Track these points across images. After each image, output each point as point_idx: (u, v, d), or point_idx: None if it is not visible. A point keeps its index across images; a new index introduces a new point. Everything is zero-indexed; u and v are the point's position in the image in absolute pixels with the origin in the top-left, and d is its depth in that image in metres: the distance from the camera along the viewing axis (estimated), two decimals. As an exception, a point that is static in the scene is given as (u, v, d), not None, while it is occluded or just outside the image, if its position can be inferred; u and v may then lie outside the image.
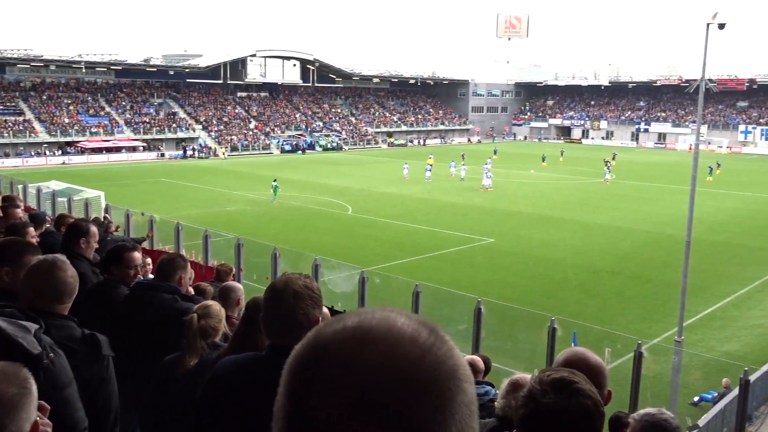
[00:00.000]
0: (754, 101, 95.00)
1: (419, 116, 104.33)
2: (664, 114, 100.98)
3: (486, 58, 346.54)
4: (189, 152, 72.73)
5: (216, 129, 79.60)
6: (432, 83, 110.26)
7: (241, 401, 2.55)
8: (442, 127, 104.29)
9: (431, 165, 54.78)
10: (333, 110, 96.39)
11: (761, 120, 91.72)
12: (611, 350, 14.20)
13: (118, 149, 69.71)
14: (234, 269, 9.03)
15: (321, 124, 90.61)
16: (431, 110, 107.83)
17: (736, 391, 13.56)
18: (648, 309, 21.93)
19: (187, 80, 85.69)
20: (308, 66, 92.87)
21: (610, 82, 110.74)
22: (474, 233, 32.47)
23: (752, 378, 13.99)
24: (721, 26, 17.46)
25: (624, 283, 24.99)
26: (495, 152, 74.45)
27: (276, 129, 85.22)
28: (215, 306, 3.88)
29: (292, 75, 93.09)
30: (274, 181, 42.86)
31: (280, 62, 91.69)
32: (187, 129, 77.66)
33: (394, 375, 0.83)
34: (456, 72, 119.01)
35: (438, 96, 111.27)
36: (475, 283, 23.44)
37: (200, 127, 79.21)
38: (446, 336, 0.92)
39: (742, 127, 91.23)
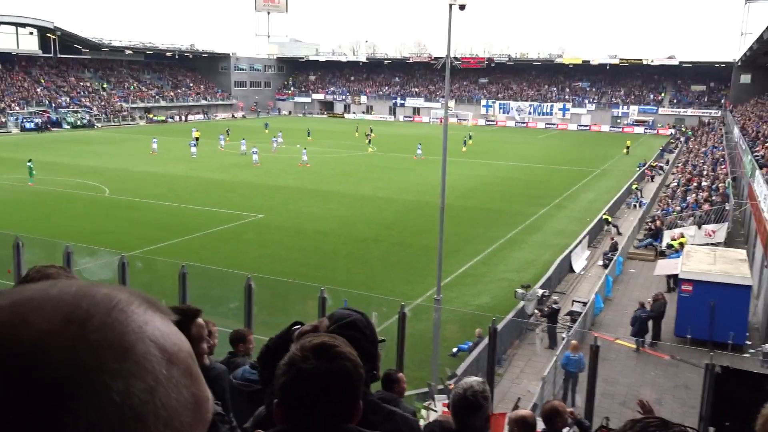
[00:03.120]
0: (493, 78, 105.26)
1: (179, 91, 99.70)
2: (417, 89, 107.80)
3: (247, 32, 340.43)
4: None
5: (-64, 105, 68.88)
6: (191, 56, 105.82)
7: None
8: (204, 102, 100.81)
9: (197, 139, 53.88)
10: (81, 84, 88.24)
11: (499, 95, 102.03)
12: (378, 314, 14.93)
13: None
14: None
15: (68, 100, 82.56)
16: (192, 85, 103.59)
17: (486, 340, 15.07)
18: (410, 272, 23.48)
19: None
20: (48, 35, 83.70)
21: (367, 59, 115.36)
22: (243, 210, 32.07)
23: (499, 326, 15.63)
24: (462, 7, 18.86)
25: (389, 249, 26.44)
26: (266, 126, 74.33)
27: (13, 105, 75.94)
28: None
29: (29, 44, 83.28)
30: (29, 161, 38.77)
31: (13, 29, 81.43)
32: None
33: None
34: (216, 45, 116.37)
35: (198, 70, 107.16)
36: (247, 260, 23.23)
37: None
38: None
39: (483, 102, 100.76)
